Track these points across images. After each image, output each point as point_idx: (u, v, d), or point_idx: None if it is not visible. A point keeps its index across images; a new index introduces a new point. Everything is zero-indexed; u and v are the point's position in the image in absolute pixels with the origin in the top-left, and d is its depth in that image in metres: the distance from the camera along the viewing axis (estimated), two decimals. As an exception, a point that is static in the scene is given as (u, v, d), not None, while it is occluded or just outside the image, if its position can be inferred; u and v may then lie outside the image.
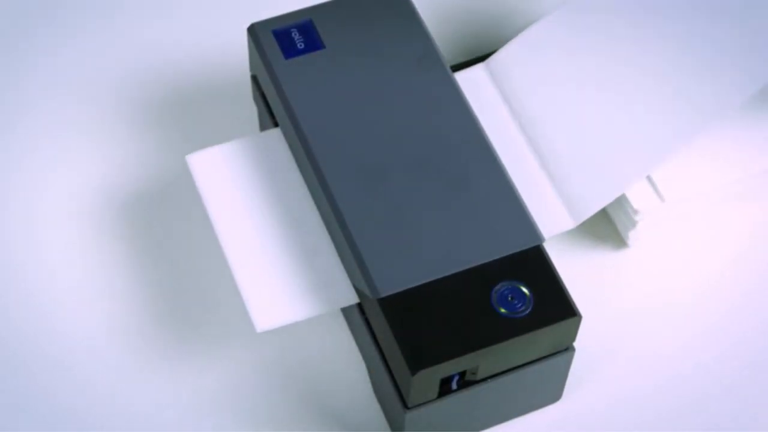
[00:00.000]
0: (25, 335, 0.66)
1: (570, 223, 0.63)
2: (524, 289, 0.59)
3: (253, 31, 0.67)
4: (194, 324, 0.67)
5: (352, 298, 0.62)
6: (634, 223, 0.68)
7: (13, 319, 0.67)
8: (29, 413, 0.64)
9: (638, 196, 0.67)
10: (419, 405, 0.60)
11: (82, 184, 0.72)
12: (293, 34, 0.67)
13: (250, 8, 0.75)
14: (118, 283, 0.68)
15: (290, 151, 0.66)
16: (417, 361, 0.58)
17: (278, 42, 0.67)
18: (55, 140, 0.73)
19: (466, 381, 0.60)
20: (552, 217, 0.64)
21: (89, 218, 0.70)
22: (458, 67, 0.68)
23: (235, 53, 0.76)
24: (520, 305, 0.59)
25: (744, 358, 0.66)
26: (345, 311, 0.65)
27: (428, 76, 0.66)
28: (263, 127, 0.71)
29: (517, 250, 0.60)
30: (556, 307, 0.59)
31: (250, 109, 0.73)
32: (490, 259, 0.60)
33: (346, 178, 0.62)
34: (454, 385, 0.60)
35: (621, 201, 0.68)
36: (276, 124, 0.68)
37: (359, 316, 0.62)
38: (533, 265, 0.60)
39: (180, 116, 0.74)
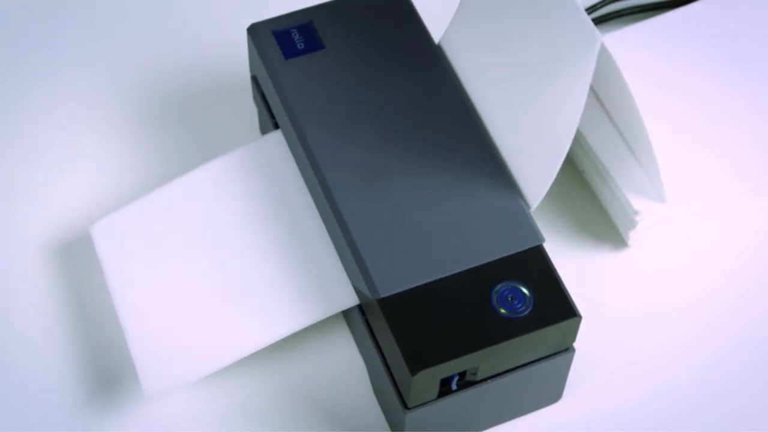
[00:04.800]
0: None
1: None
2: (524, 290, 0.59)
3: (253, 31, 0.67)
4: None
5: (353, 300, 0.62)
6: (634, 223, 0.68)
7: None
8: None
9: (638, 197, 0.67)
10: (419, 405, 0.60)
11: (80, 186, 0.72)
12: (293, 35, 0.67)
13: (250, 8, 0.75)
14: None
15: (290, 151, 0.66)
16: (417, 361, 0.58)
17: (278, 42, 0.67)
18: (53, 140, 0.73)
19: (466, 381, 0.60)
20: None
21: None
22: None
23: (235, 53, 0.76)
24: (520, 305, 0.59)
25: (745, 358, 0.66)
26: (345, 312, 0.65)
27: (428, 76, 0.66)
28: (263, 128, 0.71)
29: (518, 250, 0.60)
30: (556, 307, 0.59)
31: (250, 110, 0.73)
32: (491, 260, 0.60)
33: (347, 178, 0.62)
34: (453, 386, 0.60)
35: (621, 201, 0.68)
36: (276, 125, 0.68)
37: (359, 317, 0.62)
38: (533, 266, 0.60)
39: (180, 117, 0.74)
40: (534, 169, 0.62)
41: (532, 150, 0.62)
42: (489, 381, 0.60)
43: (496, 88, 0.64)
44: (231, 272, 0.64)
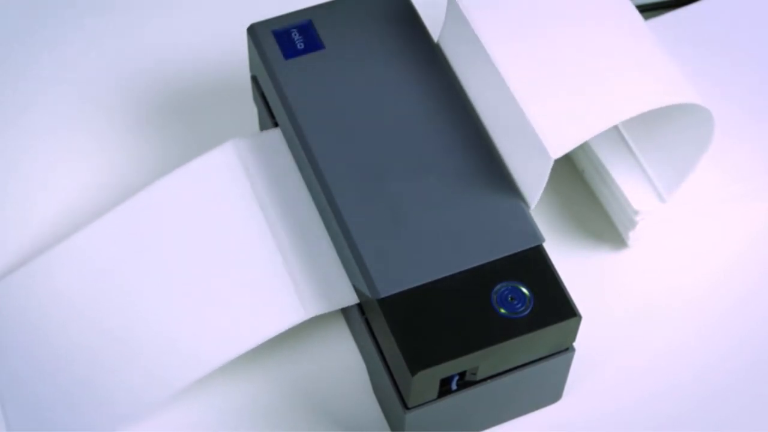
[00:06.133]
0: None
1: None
2: (524, 290, 0.59)
3: (253, 31, 0.67)
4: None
5: (352, 299, 0.62)
6: (634, 223, 0.68)
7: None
8: None
9: (638, 197, 0.67)
10: (419, 405, 0.60)
11: (80, 186, 0.72)
12: (293, 35, 0.67)
13: (250, 8, 0.75)
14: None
15: (290, 151, 0.66)
16: (417, 361, 0.58)
17: (278, 42, 0.67)
18: (53, 140, 0.73)
19: (465, 381, 0.60)
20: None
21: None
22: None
23: (235, 53, 0.76)
24: (520, 306, 0.59)
25: (745, 358, 0.66)
26: (345, 312, 0.65)
27: (428, 76, 0.66)
28: (263, 128, 0.71)
29: (518, 250, 0.60)
30: (556, 307, 0.59)
31: (250, 110, 0.73)
32: (491, 260, 0.60)
33: (346, 178, 0.62)
34: (453, 386, 0.60)
35: (621, 201, 0.68)
36: (276, 125, 0.68)
37: (359, 317, 0.62)
38: (533, 266, 0.60)
39: (180, 117, 0.74)
40: (528, 168, 0.62)
41: (524, 149, 0.62)
42: (489, 381, 0.60)
43: (485, 89, 0.64)
44: (223, 274, 0.64)
